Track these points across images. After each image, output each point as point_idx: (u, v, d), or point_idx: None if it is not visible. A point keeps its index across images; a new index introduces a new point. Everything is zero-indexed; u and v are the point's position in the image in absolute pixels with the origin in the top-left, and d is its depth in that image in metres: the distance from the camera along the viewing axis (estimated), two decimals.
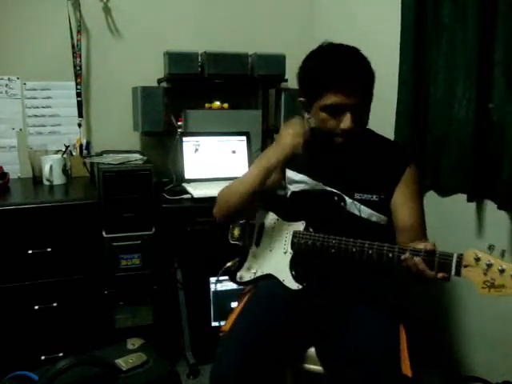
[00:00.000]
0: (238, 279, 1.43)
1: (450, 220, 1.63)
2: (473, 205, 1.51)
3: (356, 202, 1.29)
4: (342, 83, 1.18)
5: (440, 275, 1.04)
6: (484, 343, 1.54)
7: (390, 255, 1.11)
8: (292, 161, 1.34)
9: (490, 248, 0.98)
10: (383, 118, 1.78)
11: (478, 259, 0.97)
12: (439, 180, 1.63)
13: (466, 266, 0.99)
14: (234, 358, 1.14)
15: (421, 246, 1.08)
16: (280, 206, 1.39)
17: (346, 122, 1.20)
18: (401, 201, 1.28)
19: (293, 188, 1.39)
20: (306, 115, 1.31)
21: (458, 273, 1.01)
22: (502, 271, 0.94)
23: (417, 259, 1.05)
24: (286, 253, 1.34)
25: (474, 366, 1.56)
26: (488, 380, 1.34)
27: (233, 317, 1.31)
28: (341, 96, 1.18)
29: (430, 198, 1.71)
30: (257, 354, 1.15)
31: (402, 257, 1.08)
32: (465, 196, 1.51)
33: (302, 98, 1.31)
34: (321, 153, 1.35)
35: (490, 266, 0.96)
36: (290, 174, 1.39)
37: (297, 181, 1.38)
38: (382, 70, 1.73)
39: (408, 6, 1.62)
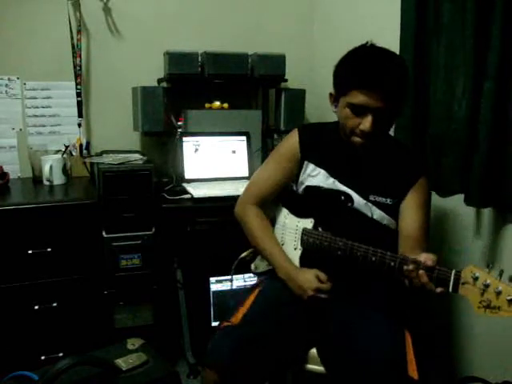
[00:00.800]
0: (252, 269, 1.45)
1: (450, 220, 1.63)
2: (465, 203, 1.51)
3: (370, 204, 1.29)
4: (371, 85, 1.16)
5: (439, 290, 1.04)
6: (484, 343, 1.54)
7: (392, 264, 1.11)
8: (312, 154, 1.37)
9: (489, 266, 0.97)
10: None
11: (475, 278, 0.97)
12: (439, 180, 1.62)
13: (463, 284, 0.99)
14: (227, 349, 1.16)
15: (422, 258, 1.08)
16: (291, 201, 1.39)
17: (366, 123, 1.19)
18: (408, 207, 1.28)
19: (308, 182, 1.37)
20: (333, 109, 1.30)
21: (455, 290, 1.01)
22: (498, 293, 0.94)
23: (421, 272, 1.06)
24: (296, 249, 1.35)
25: (474, 366, 1.56)
26: (488, 380, 1.34)
27: (243, 310, 1.30)
28: (366, 97, 1.17)
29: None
30: (253, 346, 1.16)
31: (405, 267, 1.09)
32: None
33: (332, 91, 1.30)
34: (341, 150, 1.34)
35: (487, 286, 0.95)
36: (310, 167, 1.37)
37: (314, 175, 1.36)
38: None
39: (408, 6, 1.62)
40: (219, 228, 1.90)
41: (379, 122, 1.19)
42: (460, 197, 1.55)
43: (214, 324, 2.03)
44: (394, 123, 1.30)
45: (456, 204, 1.58)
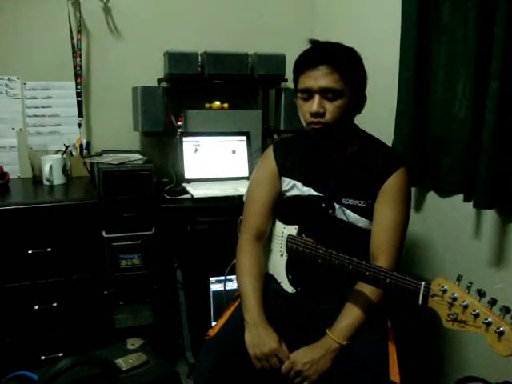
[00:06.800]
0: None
1: (450, 220, 1.63)
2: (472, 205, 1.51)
3: (344, 208, 1.28)
4: (308, 64, 1.19)
5: None
6: (484, 343, 1.54)
7: (367, 274, 1.10)
8: (286, 168, 1.37)
9: (459, 278, 0.96)
10: (383, 118, 1.78)
11: (444, 291, 0.95)
12: (439, 180, 1.62)
13: (433, 296, 0.97)
14: (206, 368, 1.18)
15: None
16: (277, 209, 1.39)
17: (313, 105, 1.19)
18: (376, 208, 1.26)
19: (287, 193, 1.38)
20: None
21: (424, 302, 0.99)
22: (465, 307, 0.92)
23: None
24: (282, 255, 1.35)
25: (474, 366, 1.56)
26: (488, 380, 1.34)
27: (221, 322, 1.32)
28: (308, 78, 1.19)
29: (430, 198, 1.71)
30: (230, 360, 1.17)
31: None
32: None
33: (296, 99, 1.31)
34: (313, 157, 1.34)
35: (454, 299, 0.94)
36: (286, 181, 1.37)
37: (289, 188, 1.37)
38: (383, 70, 1.74)
39: (408, 6, 1.62)
40: (219, 228, 1.90)
41: (329, 104, 1.19)
42: (460, 197, 1.55)
43: (214, 324, 2.03)
44: (356, 111, 1.27)
45: (456, 204, 1.58)
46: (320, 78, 1.17)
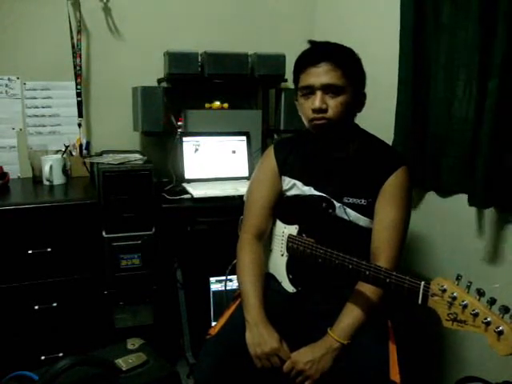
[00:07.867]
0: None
1: (451, 220, 1.63)
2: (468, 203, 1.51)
3: (345, 206, 1.28)
4: (308, 62, 1.21)
5: None
6: (484, 343, 1.54)
7: (367, 273, 1.11)
8: (287, 167, 1.37)
9: (458, 278, 0.96)
10: (383, 118, 1.78)
11: (443, 290, 0.95)
12: (439, 180, 1.62)
13: (433, 295, 0.97)
14: (207, 366, 1.18)
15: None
16: (278, 209, 1.39)
17: (315, 101, 1.20)
18: (377, 207, 1.26)
19: (288, 193, 1.38)
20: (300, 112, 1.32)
21: (424, 302, 0.99)
22: (464, 307, 0.92)
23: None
24: (282, 255, 1.35)
25: (474, 366, 1.56)
26: (488, 380, 1.34)
27: (221, 321, 1.33)
28: (309, 76, 1.21)
29: (430, 198, 1.71)
30: (231, 359, 1.17)
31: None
32: (465, 196, 1.50)
33: (296, 100, 1.31)
34: (314, 156, 1.34)
35: (454, 299, 0.94)
36: (286, 180, 1.38)
37: (290, 187, 1.37)
38: (382, 70, 1.74)
39: (407, 6, 1.62)
40: (219, 228, 1.90)
41: (331, 100, 1.20)
42: (460, 196, 1.55)
43: (214, 324, 2.03)
44: (357, 110, 1.28)
45: (456, 204, 1.58)
46: (322, 74, 1.19)
